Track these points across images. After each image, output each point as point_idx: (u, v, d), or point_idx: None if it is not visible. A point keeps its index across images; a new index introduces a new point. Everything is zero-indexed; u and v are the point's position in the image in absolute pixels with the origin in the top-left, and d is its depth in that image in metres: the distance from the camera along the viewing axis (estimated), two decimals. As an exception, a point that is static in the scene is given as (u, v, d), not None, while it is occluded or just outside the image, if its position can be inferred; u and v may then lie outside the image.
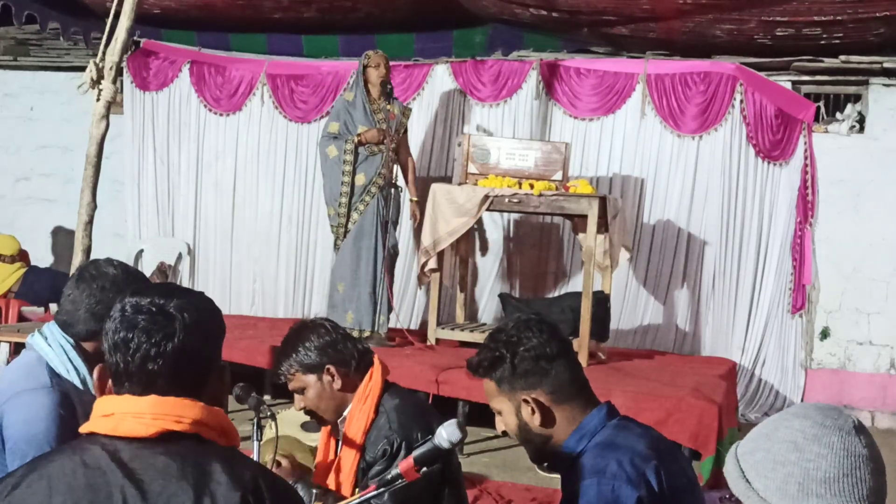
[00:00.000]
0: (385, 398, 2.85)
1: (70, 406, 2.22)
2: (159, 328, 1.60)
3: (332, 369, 2.84)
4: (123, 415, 1.58)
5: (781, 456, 1.49)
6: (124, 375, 1.61)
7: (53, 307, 7.55)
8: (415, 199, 6.66)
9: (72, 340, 2.31)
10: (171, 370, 1.59)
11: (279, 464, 2.82)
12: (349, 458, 2.82)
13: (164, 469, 1.53)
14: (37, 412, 2.18)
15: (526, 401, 2.20)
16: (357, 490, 2.72)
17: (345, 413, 2.88)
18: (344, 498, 2.55)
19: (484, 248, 7.61)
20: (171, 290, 1.69)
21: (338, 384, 2.84)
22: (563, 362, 2.23)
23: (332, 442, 3.00)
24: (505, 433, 2.30)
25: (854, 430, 1.49)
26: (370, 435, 2.80)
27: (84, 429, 1.61)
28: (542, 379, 2.21)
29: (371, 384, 2.86)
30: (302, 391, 2.87)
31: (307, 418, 2.96)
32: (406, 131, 6.70)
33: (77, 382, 2.27)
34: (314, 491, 2.79)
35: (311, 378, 2.85)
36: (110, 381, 1.64)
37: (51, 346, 2.29)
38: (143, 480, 1.52)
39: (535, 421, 2.20)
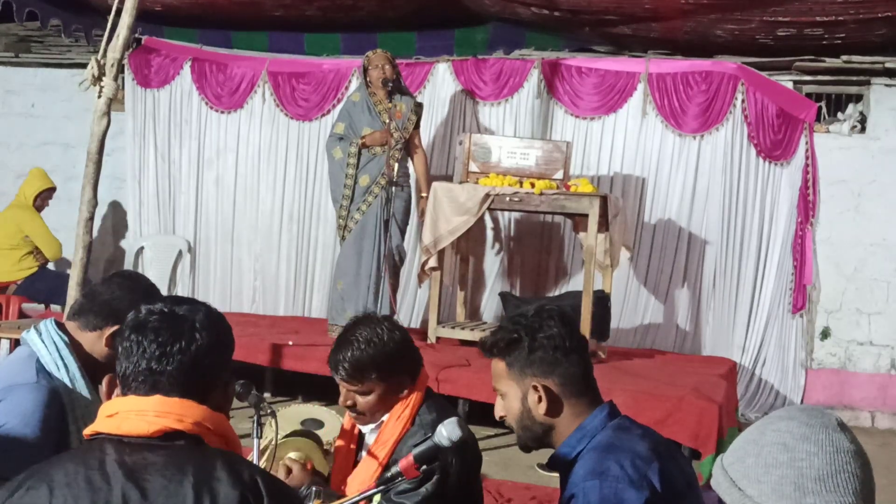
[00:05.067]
0: (423, 410, 2.75)
1: (56, 403, 2.23)
2: (169, 330, 1.64)
3: (407, 380, 2.75)
4: (127, 413, 1.60)
5: (772, 458, 1.49)
6: (131, 377, 1.64)
7: (53, 307, 7.54)
8: (424, 195, 6.60)
9: (65, 338, 2.32)
10: (177, 372, 1.62)
11: (290, 470, 2.76)
12: (372, 464, 2.72)
13: (165, 467, 1.54)
14: (19, 407, 2.19)
15: (535, 387, 2.20)
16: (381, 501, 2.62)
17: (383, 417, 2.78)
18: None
19: (484, 247, 7.61)
20: (183, 299, 1.75)
21: (403, 393, 2.75)
22: (577, 358, 2.24)
23: (352, 448, 2.91)
24: (503, 419, 2.30)
25: (838, 427, 1.50)
26: (401, 449, 2.68)
27: (89, 430, 1.63)
28: (553, 369, 2.21)
29: (413, 391, 2.77)
30: (363, 394, 2.73)
31: (307, 416, 2.92)
32: (417, 126, 6.68)
33: (66, 380, 2.27)
34: (314, 489, 2.77)
35: (384, 386, 2.72)
36: (117, 390, 1.67)
37: (43, 343, 2.31)
38: (144, 478, 1.53)
39: (540, 409, 2.20)
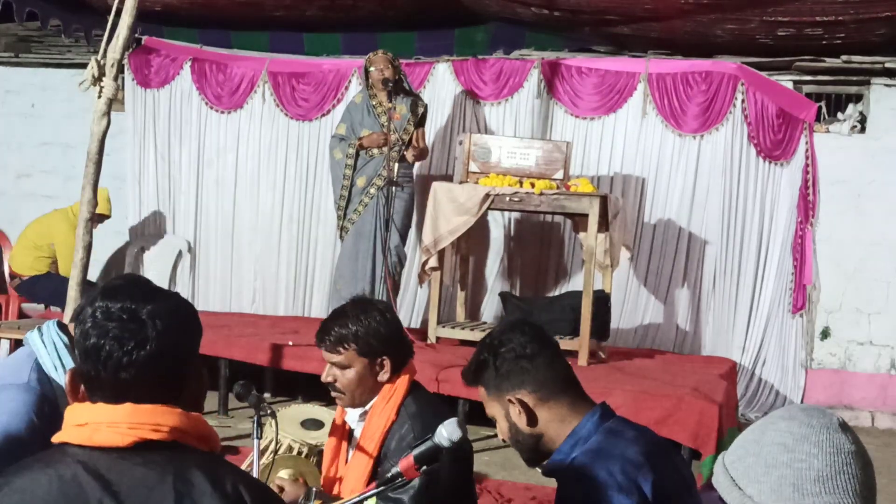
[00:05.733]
0: (408, 402, 2.77)
1: (47, 405, 2.22)
2: (131, 336, 1.53)
3: (387, 362, 2.77)
4: (98, 424, 1.52)
5: (772, 458, 1.48)
6: (97, 383, 1.55)
7: (53, 309, 7.54)
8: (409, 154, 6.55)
9: (66, 339, 2.31)
10: (145, 378, 1.53)
11: (281, 489, 2.76)
12: (363, 460, 2.74)
13: (143, 480, 1.48)
14: (6, 405, 2.19)
15: (511, 401, 2.22)
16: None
17: (367, 407, 2.79)
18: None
19: (484, 247, 7.61)
20: (143, 292, 1.61)
21: (384, 377, 2.77)
22: (543, 361, 2.24)
23: (343, 443, 2.92)
24: (506, 441, 2.31)
25: (840, 428, 1.50)
26: (389, 442, 2.71)
27: (57, 438, 1.55)
28: (524, 379, 2.22)
29: (398, 382, 2.79)
30: (342, 367, 2.76)
31: (307, 416, 2.92)
32: (422, 125, 6.66)
33: (63, 382, 2.26)
34: (314, 489, 2.77)
35: (363, 361, 2.75)
36: (83, 387, 1.58)
37: (44, 344, 2.30)
38: (122, 492, 1.47)
39: (522, 421, 2.21)
